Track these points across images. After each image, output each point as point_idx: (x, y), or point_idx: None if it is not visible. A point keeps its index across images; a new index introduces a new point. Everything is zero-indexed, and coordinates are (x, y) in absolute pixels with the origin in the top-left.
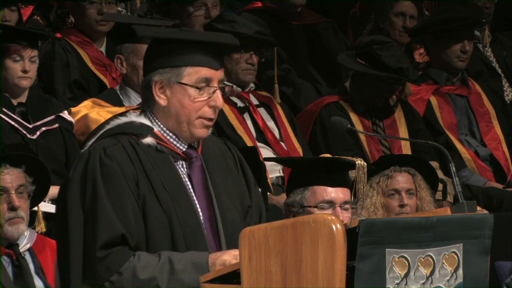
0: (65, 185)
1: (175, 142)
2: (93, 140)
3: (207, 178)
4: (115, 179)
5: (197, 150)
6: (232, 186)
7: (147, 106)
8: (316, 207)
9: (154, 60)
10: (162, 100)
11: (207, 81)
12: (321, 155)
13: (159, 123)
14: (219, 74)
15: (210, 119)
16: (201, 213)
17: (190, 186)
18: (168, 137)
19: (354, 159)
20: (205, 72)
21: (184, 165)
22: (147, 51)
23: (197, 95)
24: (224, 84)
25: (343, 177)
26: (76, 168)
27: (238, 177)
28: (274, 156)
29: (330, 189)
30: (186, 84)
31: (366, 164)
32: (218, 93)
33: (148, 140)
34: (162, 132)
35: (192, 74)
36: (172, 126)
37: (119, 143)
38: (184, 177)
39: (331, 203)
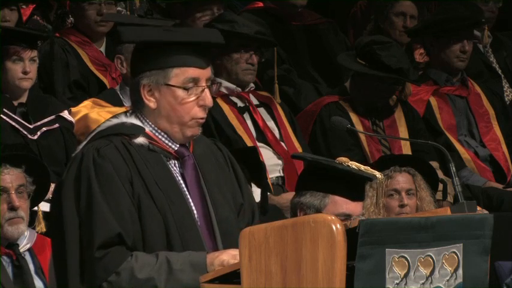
0: (59, 186)
1: (167, 141)
2: (85, 142)
3: (200, 176)
4: (109, 179)
5: (189, 149)
6: (224, 184)
7: (137, 108)
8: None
9: (140, 63)
10: (151, 103)
11: (195, 81)
12: (338, 159)
13: (150, 123)
14: (207, 72)
15: (201, 118)
16: (195, 211)
17: (183, 185)
18: (160, 136)
19: (376, 173)
20: (192, 72)
21: (177, 164)
22: (133, 53)
23: (185, 96)
24: (213, 81)
25: (363, 191)
26: (69, 170)
27: (230, 175)
28: (275, 156)
29: (350, 202)
30: (173, 86)
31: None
32: (207, 92)
33: (140, 140)
34: (153, 132)
35: (179, 74)
36: (163, 127)
37: (111, 143)
38: (177, 176)
39: (348, 216)
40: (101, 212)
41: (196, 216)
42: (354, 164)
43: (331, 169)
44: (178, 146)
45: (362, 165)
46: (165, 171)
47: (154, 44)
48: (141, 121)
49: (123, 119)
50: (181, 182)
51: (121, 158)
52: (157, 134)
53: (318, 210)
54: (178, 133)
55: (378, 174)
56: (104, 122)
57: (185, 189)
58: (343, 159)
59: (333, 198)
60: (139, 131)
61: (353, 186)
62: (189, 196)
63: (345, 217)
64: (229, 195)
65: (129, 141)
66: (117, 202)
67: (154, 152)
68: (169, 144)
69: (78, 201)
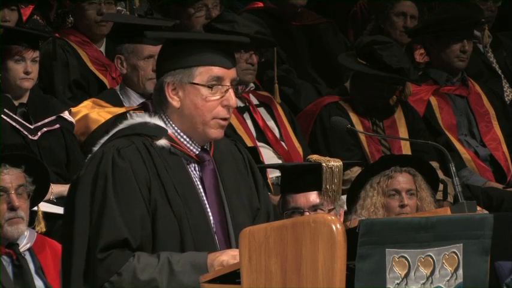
0: (76, 183)
1: (188, 145)
2: (106, 138)
3: (219, 182)
4: (126, 181)
5: (209, 153)
6: (242, 189)
7: (161, 109)
8: (285, 215)
9: (165, 63)
10: (175, 102)
11: (219, 80)
12: (308, 156)
13: (173, 125)
14: (231, 72)
15: (224, 119)
16: (211, 217)
17: (202, 190)
18: (182, 140)
19: (323, 160)
20: (216, 71)
21: (197, 168)
22: (159, 54)
23: (209, 94)
24: (239, 83)
25: (311, 181)
26: (88, 167)
27: (248, 179)
28: (275, 156)
29: (296, 196)
30: (197, 84)
31: (338, 164)
32: (231, 92)
33: (162, 142)
34: (176, 134)
35: (204, 73)
36: (186, 128)
37: (132, 144)
38: (196, 181)
39: (298, 209)
40: (111, 215)
41: (212, 222)
42: (317, 158)
43: (283, 170)
44: (199, 149)
45: (323, 158)
46: (184, 175)
47: (181, 42)
48: (165, 122)
49: (147, 118)
50: (200, 186)
51: (141, 160)
52: (179, 136)
53: (280, 212)
54: (202, 133)
55: (325, 162)
56: (126, 120)
57: (203, 194)
58: (313, 156)
59: (284, 197)
60: (162, 133)
61: (293, 180)
62: (206, 202)
63: (297, 211)
64: (246, 200)
65: (151, 143)
66: (130, 206)
67: (175, 155)
68: (191, 147)
69: (91, 201)
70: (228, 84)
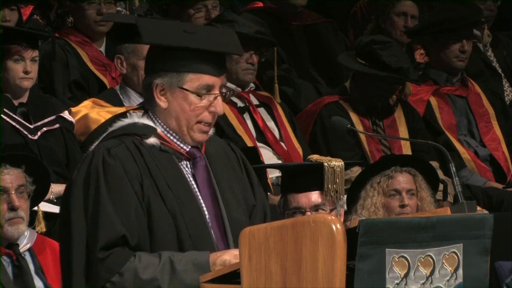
0: (69, 185)
1: (178, 142)
2: (97, 141)
3: (212, 177)
4: (118, 179)
5: (201, 150)
6: (236, 186)
7: (149, 106)
8: (286, 214)
9: (156, 62)
10: (162, 102)
11: (209, 88)
12: (309, 156)
13: (161, 123)
14: (221, 80)
15: (208, 124)
16: (206, 212)
17: (195, 186)
18: (172, 137)
19: (324, 160)
20: (207, 79)
21: (189, 165)
22: (150, 50)
23: (197, 101)
24: (226, 88)
25: (313, 181)
26: (80, 170)
27: (242, 177)
28: (275, 156)
29: (298, 195)
30: (187, 90)
31: (340, 164)
32: (219, 100)
33: (152, 140)
34: (165, 132)
35: (194, 80)
36: (174, 127)
37: (122, 143)
38: (188, 177)
39: (300, 209)
40: (106, 213)
41: (207, 217)
42: (318, 158)
43: (283, 170)
44: (189, 147)
45: (324, 157)
46: (176, 171)
47: (174, 48)
48: (153, 121)
49: (135, 119)
50: (193, 182)
51: (132, 158)
52: (168, 134)
53: (281, 211)
54: (187, 136)
55: (327, 161)
56: (115, 122)
57: (196, 190)
58: (314, 156)
59: (285, 196)
60: (151, 131)
61: (295, 179)
62: (200, 197)
63: (298, 210)
64: (241, 197)
65: (140, 142)
66: (124, 203)
67: (166, 153)
68: (181, 145)
69: (86, 201)
70: (217, 92)
